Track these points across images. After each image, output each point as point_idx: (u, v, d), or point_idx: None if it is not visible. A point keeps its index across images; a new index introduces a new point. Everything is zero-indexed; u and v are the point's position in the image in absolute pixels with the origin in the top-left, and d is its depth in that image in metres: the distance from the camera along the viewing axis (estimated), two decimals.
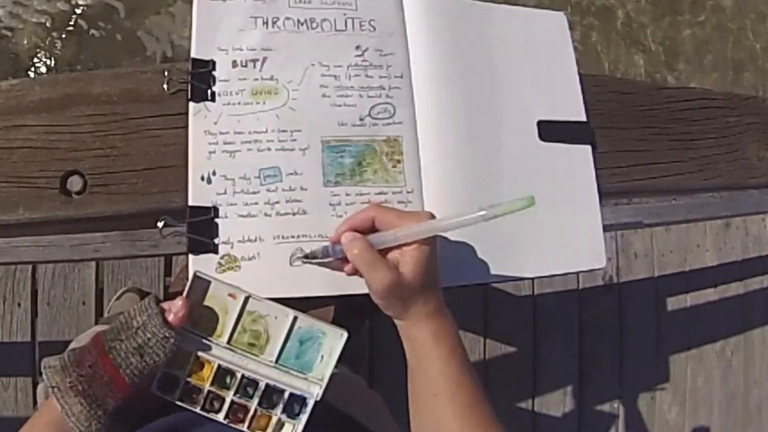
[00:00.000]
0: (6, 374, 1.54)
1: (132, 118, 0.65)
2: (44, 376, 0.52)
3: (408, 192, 0.67)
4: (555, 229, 0.73)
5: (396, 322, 0.60)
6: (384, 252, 0.57)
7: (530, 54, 0.78)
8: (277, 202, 0.64)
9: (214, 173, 0.63)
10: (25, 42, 2.10)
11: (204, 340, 0.57)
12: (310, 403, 0.57)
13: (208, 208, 0.62)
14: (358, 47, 0.70)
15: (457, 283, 0.67)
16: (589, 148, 0.77)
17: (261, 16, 0.68)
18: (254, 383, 0.57)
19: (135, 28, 2.22)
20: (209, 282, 0.56)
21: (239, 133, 0.64)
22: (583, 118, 0.78)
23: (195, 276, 0.56)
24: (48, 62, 2.12)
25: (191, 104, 0.64)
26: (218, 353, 0.57)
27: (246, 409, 0.57)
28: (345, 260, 0.59)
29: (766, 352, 2.45)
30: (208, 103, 0.64)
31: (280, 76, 0.67)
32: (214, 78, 0.65)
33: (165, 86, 0.66)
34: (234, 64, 0.66)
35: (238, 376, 0.57)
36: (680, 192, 1.06)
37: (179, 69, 0.66)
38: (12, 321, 1.57)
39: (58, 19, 2.14)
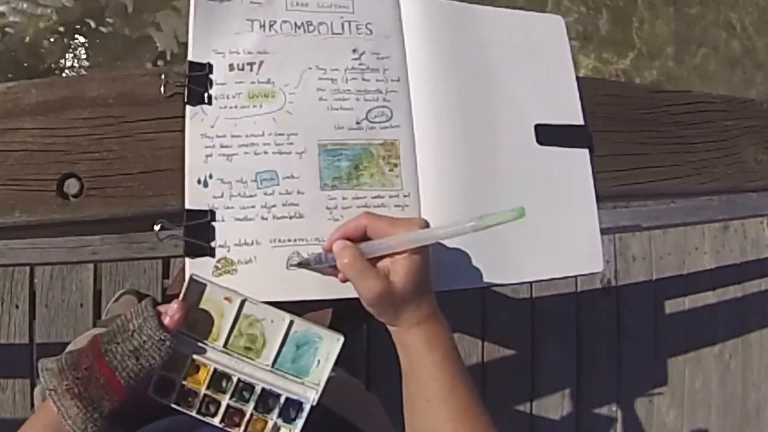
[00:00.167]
0: (3, 376, 1.54)
1: (128, 121, 0.65)
2: (42, 378, 0.53)
3: (405, 196, 0.67)
4: (552, 232, 0.73)
5: (389, 328, 0.60)
6: (375, 260, 0.57)
7: (527, 57, 0.78)
8: (273, 206, 0.63)
9: (210, 176, 0.63)
10: (25, 42, 2.10)
11: (200, 344, 0.57)
12: (306, 408, 0.57)
13: (204, 212, 0.62)
14: (355, 50, 0.70)
15: (454, 286, 0.67)
16: (586, 151, 0.77)
17: (258, 19, 0.68)
18: (250, 387, 0.57)
19: (136, 28, 2.22)
20: (205, 285, 0.56)
21: (236, 136, 0.64)
22: (581, 122, 0.78)
23: (191, 279, 0.56)
24: (46, 63, 2.11)
25: (188, 107, 0.64)
26: (214, 357, 0.57)
27: (242, 413, 0.57)
28: (337, 268, 0.59)
29: (764, 355, 2.45)
30: (205, 107, 0.64)
31: (276, 80, 0.67)
32: (210, 81, 0.65)
33: (162, 89, 0.66)
34: (231, 67, 0.66)
35: (234, 379, 0.57)
36: (678, 195, 1.06)
37: (176, 72, 0.66)
38: (10, 322, 1.57)
39: (58, 19, 2.14)
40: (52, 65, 2.12)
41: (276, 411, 0.57)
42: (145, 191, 0.64)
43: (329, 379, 0.58)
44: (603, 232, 0.75)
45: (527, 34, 0.78)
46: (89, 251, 0.89)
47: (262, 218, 0.63)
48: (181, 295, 0.56)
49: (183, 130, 0.64)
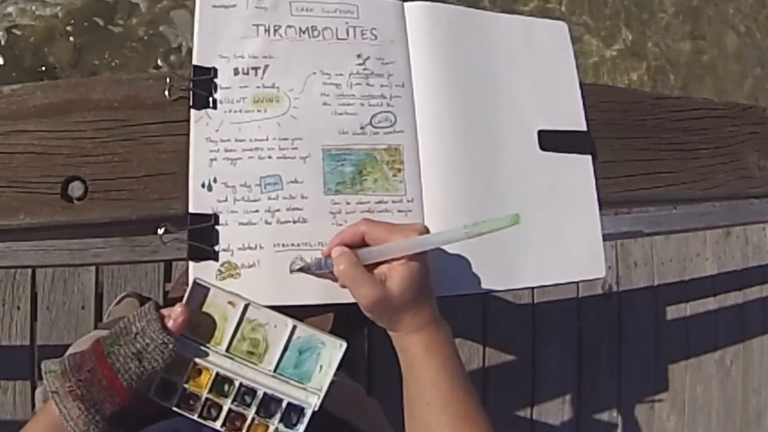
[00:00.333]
0: (4, 377, 1.54)
1: (133, 124, 0.65)
2: (44, 380, 0.53)
3: (408, 201, 0.67)
4: (555, 238, 0.73)
5: (389, 333, 0.60)
6: (373, 266, 0.58)
7: (531, 63, 0.78)
8: (277, 210, 0.64)
9: (214, 180, 0.63)
10: (30, 44, 2.11)
11: (202, 347, 0.57)
12: (308, 413, 0.57)
13: (208, 216, 0.62)
14: (359, 56, 0.70)
15: (456, 292, 0.67)
16: (589, 157, 0.77)
17: (263, 24, 0.68)
18: (252, 392, 0.57)
19: (141, 32, 2.22)
20: (209, 289, 0.57)
21: (240, 140, 0.64)
22: (584, 128, 0.78)
23: (194, 283, 0.56)
24: (50, 65, 2.12)
25: (192, 111, 0.64)
26: (217, 361, 0.57)
27: (243, 418, 0.57)
28: None
29: (765, 361, 2.45)
30: (210, 111, 0.65)
31: (281, 84, 0.67)
32: (215, 85, 0.65)
33: (166, 93, 0.66)
34: (235, 71, 0.66)
35: (236, 384, 0.57)
36: (680, 201, 1.06)
37: (180, 76, 0.66)
38: (11, 324, 1.57)
39: (63, 21, 2.14)
40: (57, 67, 2.12)
41: (278, 416, 0.57)
42: (149, 194, 0.64)
43: (331, 384, 0.58)
44: (605, 237, 0.75)
45: (531, 39, 0.78)
46: (92, 254, 0.88)
47: (266, 222, 0.63)
48: (185, 299, 0.56)
49: (187, 134, 0.64)
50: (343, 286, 0.60)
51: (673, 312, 2.27)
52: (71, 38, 2.14)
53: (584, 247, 0.74)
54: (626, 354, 2.16)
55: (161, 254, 0.85)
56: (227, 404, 0.56)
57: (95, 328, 1.61)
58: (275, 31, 0.68)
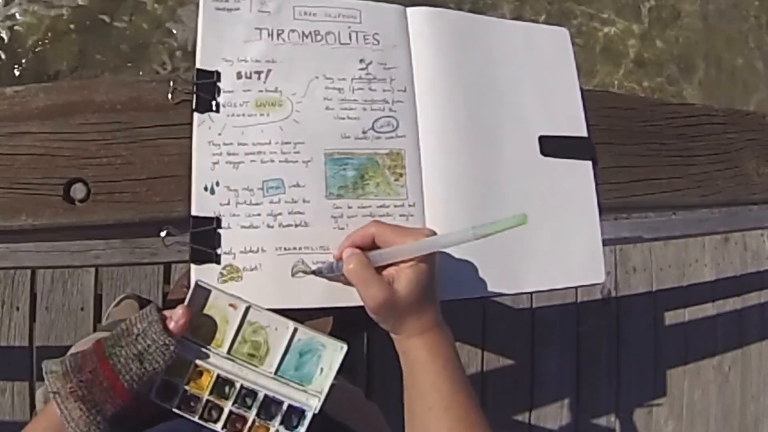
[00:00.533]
0: (3, 378, 1.54)
1: (136, 127, 0.65)
2: (46, 380, 0.53)
3: (410, 205, 0.68)
4: (555, 243, 0.73)
5: (392, 335, 0.61)
6: (381, 268, 0.58)
7: (532, 68, 0.78)
8: (279, 214, 0.64)
9: (217, 184, 0.63)
10: (33, 45, 2.11)
11: (204, 349, 0.57)
12: (309, 416, 0.57)
13: (210, 219, 0.62)
14: (361, 60, 0.70)
15: (456, 296, 0.67)
16: (589, 163, 0.77)
17: (266, 28, 0.68)
18: (253, 394, 0.57)
19: (145, 34, 2.22)
20: (210, 291, 0.57)
21: (243, 144, 0.64)
22: (584, 134, 0.78)
23: (196, 285, 0.56)
24: (53, 66, 2.12)
25: (195, 115, 0.65)
26: (218, 363, 0.57)
27: (244, 420, 0.57)
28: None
29: (763, 367, 2.45)
30: (213, 114, 0.65)
31: (284, 88, 0.67)
32: (218, 89, 0.66)
33: (170, 96, 0.66)
34: (239, 75, 0.66)
35: (237, 386, 0.57)
36: (680, 207, 1.06)
37: (184, 79, 0.66)
38: (10, 325, 1.57)
39: (67, 22, 2.14)
40: (60, 68, 2.12)
41: (278, 418, 0.57)
42: (151, 197, 0.64)
43: (331, 386, 0.58)
44: (604, 243, 0.76)
45: (533, 45, 0.79)
46: (92, 255, 0.89)
47: (268, 226, 0.63)
48: (186, 301, 0.56)
49: (190, 137, 0.64)
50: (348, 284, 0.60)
51: (671, 317, 2.28)
52: (75, 36, 2.14)
53: (584, 253, 0.75)
54: (625, 359, 2.17)
55: (161, 256, 0.85)
56: (228, 406, 0.57)
57: (94, 329, 1.61)
58: (278, 35, 0.68)
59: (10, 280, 1.57)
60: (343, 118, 0.68)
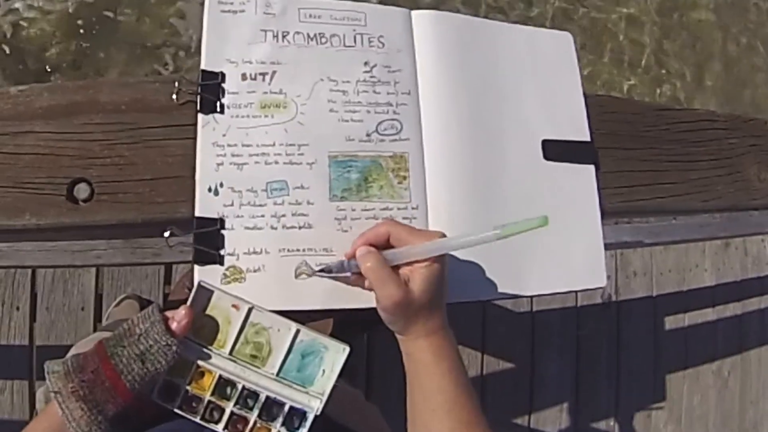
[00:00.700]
0: (3, 377, 1.54)
1: (140, 127, 0.65)
2: (47, 381, 0.53)
3: (413, 208, 0.68)
4: (557, 247, 0.73)
5: (397, 336, 0.61)
6: (395, 268, 0.58)
7: (536, 72, 0.78)
8: (283, 216, 0.64)
9: (221, 185, 0.63)
10: (36, 44, 2.11)
11: (205, 350, 0.57)
12: (310, 417, 0.57)
13: (214, 220, 0.62)
14: (366, 63, 0.70)
15: (459, 299, 0.67)
16: (592, 167, 0.77)
17: (271, 30, 0.69)
18: (255, 395, 0.57)
19: (149, 35, 2.22)
20: (212, 292, 0.57)
21: (247, 145, 0.65)
22: (587, 138, 0.78)
23: (199, 285, 0.56)
24: (56, 66, 2.11)
25: (200, 116, 0.65)
26: (220, 363, 0.57)
27: (245, 421, 0.57)
28: (359, 275, 0.60)
29: (763, 373, 2.45)
30: (217, 115, 0.65)
31: (288, 90, 0.67)
32: (223, 90, 0.66)
33: (174, 97, 0.66)
34: (243, 76, 0.66)
35: (239, 387, 0.57)
36: (681, 212, 1.06)
37: (188, 80, 0.66)
38: (10, 324, 1.56)
39: (70, 21, 2.14)
40: (63, 65, 2.11)
41: (280, 419, 0.57)
42: (155, 198, 0.64)
43: (333, 388, 0.58)
44: (605, 247, 0.76)
45: (536, 49, 0.79)
46: (94, 255, 0.89)
47: (272, 227, 0.63)
48: (189, 301, 0.56)
49: (194, 138, 0.64)
50: (370, 288, 0.60)
51: (671, 322, 2.28)
52: (79, 32, 2.14)
53: (586, 257, 0.75)
54: (624, 363, 2.17)
55: (163, 257, 0.85)
56: (229, 407, 0.57)
57: (94, 329, 1.61)
58: (283, 37, 0.69)
59: (11, 280, 1.57)
60: (347, 121, 0.68)
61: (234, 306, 0.57)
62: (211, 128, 0.64)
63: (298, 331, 0.57)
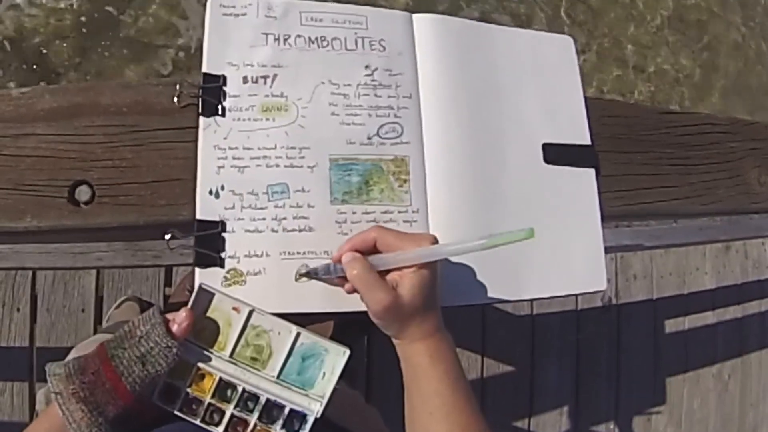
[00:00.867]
0: (3, 379, 1.54)
1: (141, 130, 0.66)
2: (49, 382, 0.53)
3: (414, 211, 0.68)
4: (557, 251, 0.73)
5: (393, 341, 0.61)
6: (383, 273, 0.58)
7: (537, 76, 0.78)
8: (284, 218, 0.64)
9: (222, 188, 0.63)
10: (39, 44, 2.11)
11: (206, 352, 0.57)
12: (310, 420, 0.57)
13: (215, 222, 0.63)
14: (367, 66, 0.70)
15: (458, 303, 0.67)
16: (592, 171, 0.77)
17: (272, 33, 0.69)
18: (255, 397, 0.57)
19: (151, 36, 2.23)
20: (213, 294, 0.57)
21: (248, 148, 0.65)
22: (588, 142, 0.78)
23: (200, 288, 0.56)
24: (58, 67, 2.11)
25: (201, 119, 0.65)
26: (220, 366, 0.57)
27: (246, 423, 0.57)
28: (345, 279, 0.60)
29: (763, 376, 2.45)
30: (218, 118, 0.65)
31: (289, 93, 0.67)
32: (224, 93, 0.66)
33: (175, 99, 0.66)
34: (245, 79, 0.67)
35: (239, 389, 0.57)
36: (682, 216, 1.06)
37: (190, 83, 0.66)
38: (10, 325, 1.57)
39: (73, 22, 2.14)
40: (65, 65, 2.11)
41: (280, 422, 0.57)
42: (156, 200, 0.64)
43: (333, 391, 0.58)
44: (605, 250, 0.76)
45: (537, 53, 0.79)
46: (94, 257, 0.89)
47: (273, 230, 0.64)
48: (190, 304, 0.56)
49: (196, 141, 0.65)
50: (350, 292, 0.60)
51: (671, 325, 2.28)
52: (80, 31, 2.14)
53: (586, 260, 0.75)
54: (624, 366, 2.16)
55: (163, 259, 0.85)
56: (230, 409, 0.56)
57: (95, 331, 1.61)
58: (285, 40, 0.69)
59: (11, 282, 1.57)
60: (349, 124, 0.68)
61: (235, 308, 0.57)
62: (212, 131, 0.65)
63: (298, 334, 0.57)
